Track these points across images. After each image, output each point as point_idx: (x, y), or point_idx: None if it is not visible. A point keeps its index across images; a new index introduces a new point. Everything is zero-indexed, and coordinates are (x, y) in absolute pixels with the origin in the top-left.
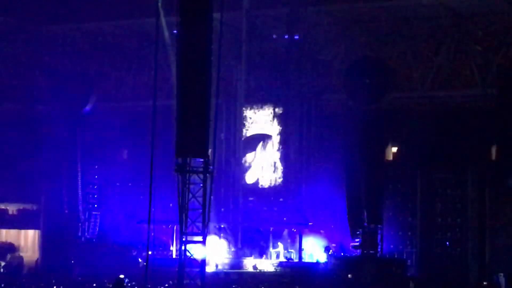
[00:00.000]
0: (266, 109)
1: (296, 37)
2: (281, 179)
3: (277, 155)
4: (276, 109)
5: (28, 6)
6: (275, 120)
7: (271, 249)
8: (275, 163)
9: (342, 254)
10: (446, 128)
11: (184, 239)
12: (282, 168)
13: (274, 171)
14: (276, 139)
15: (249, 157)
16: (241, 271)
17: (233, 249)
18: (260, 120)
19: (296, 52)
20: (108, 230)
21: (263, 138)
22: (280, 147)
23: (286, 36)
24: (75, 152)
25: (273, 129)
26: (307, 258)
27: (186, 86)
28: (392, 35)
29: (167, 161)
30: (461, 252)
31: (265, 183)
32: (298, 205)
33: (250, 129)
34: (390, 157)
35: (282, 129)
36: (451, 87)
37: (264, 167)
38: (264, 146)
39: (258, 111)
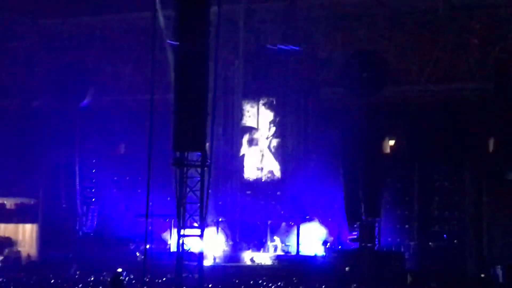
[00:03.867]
0: (264, 102)
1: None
2: (279, 173)
3: (275, 148)
4: (274, 103)
5: (24, 0)
6: (273, 113)
7: (268, 243)
8: (272, 156)
9: (339, 247)
10: (443, 121)
11: (182, 233)
12: (279, 161)
13: (271, 165)
14: (273, 132)
15: (246, 150)
16: (238, 265)
17: (230, 242)
18: (258, 113)
19: (294, 45)
20: (106, 224)
21: (261, 131)
22: (278, 140)
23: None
24: (72, 146)
25: (271, 122)
26: (304, 251)
27: (183, 80)
28: (390, 29)
29: (165, 155)
30: (459, 244)
31: (262, 176)
32: (296, 199)
33: (247, 123)
34: (388, 150)
35: (279, 123)
36: (448, 81)
37: (261, 161)
38: (261, 140)
39: (256, 104)
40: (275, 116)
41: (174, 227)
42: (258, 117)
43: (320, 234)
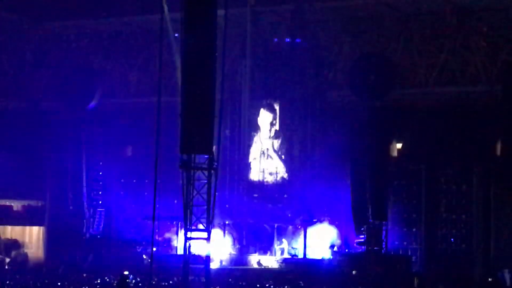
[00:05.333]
0: (270, 105)
1: (298, 40)
2: (286, 176)
3: (281, 151)
4: (281, 106)
5: (32, 3)
6: (279, 116)
7: (275, 246)
8: (278, 159)
9: (346, 250)
10: (451, 124)
11: (188, 236)
12: (286, 164)
13: (278, 168)
14: (279, 135)
15: (253, 153)
16: (245, 268)
17: (237, 245)
18: (265, 116)
19: (301, 48)
20: (113, 226)
21: (267, 134)
22: (284, 143)
23: (288, 40)
24: (79, 149)
25: (278, 125)
26: (311, 254)
27: (190, 82)
28: (397, 31)
29: (172, 158)
30: (466, 248)
31: (269, 179)
32: (303, 202)
33: (254, 125)
34: (395, 154)
35: (286, 125)
36: (456, 84)
37: (268, 164)
38: (267, 142)
39: (263, 107)
40: (281, 119)
41: (181, 229)
42: (265, 119)
43: (329, 236)
